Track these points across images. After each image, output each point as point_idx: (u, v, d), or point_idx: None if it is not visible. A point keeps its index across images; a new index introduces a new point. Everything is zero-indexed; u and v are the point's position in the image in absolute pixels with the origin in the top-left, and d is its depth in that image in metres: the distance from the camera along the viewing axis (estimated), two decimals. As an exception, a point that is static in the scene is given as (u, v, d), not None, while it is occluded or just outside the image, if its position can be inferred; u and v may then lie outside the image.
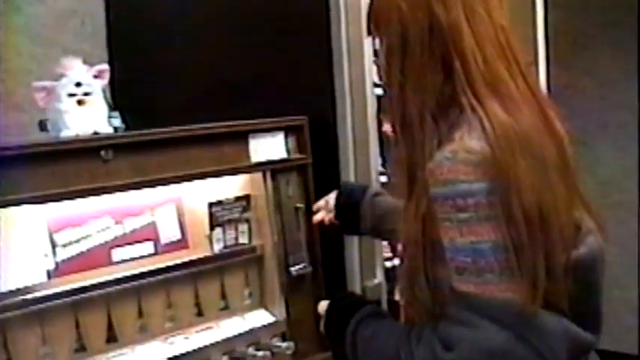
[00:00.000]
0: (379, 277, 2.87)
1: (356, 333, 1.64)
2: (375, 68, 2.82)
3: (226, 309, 2.59)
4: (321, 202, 2.34)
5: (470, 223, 1.37)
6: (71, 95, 2.30)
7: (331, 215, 2.29)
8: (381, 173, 2.92)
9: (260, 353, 2.48)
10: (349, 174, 2.77)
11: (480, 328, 1.36)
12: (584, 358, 1.54)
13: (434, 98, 1.48)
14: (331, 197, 2.30)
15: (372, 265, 2.84)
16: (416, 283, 1.50)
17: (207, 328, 2.50)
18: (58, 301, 2.15)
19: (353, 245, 2.75)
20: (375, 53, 2.78)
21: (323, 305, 1.81)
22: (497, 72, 1.49)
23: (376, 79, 2.83)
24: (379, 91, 2.85)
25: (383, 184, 2.91)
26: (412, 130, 1.49)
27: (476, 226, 1.37)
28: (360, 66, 2.78)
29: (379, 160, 2.90)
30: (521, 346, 1.34)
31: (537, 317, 1.36)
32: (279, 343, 2.56)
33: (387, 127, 3.01)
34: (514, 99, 1.47)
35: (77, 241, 2.22)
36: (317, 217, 2.34)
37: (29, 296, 2.10)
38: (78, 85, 2.30)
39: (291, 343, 2.57)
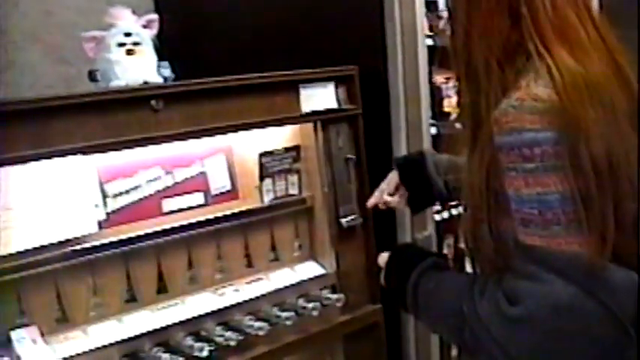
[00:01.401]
0: (429, 230, 2.87)
1: (417, 285, 1.63)
2: (426, 19, 2.79)
3: (276, 260, 2.58)
4: (382, 186, 2.27)
5: (536, 173, 1.34)
6: (121, 45, 2.28)
7: (390, 199, 2.23)
8: (432, 125, 2.90)
9: (310, 305, 2.47)
10: (400, 125, 2.74)
11: (546, 283, 1.33)
12: None
13: (500, 44, 1.45)
14: (390, 178, 2.24)
15: (423, 217, 2.82)
16: (479, 235, 1.48)
17: (257, 279, 2.50)
18: (108, 252, 2.15)
19: None
20: (428, 6, 2.78)
21: (384, 257, 1.79)
22: (567, 18, 1.45)
23: (427, 30, 2.80)
24: (430, 41, 2.82)
25: (433, 136, 2.89)
26: (477, 78, 1.47)
27: (542, 177, 1.34)
28: (412, 16, 2.74)
29: (429, 112, 2.87)
30: (589, 302, 1.31)
31: (605, 272, 1.32)
32: (329, 295, 2.55)
33: (437, 78, 2.99)
34: (583, 46, 1.43)
35: (127, 191, 2.21)
36: (371, 201, 2.29)
37: (80, 247, 2.10)
38: (127, 34, 2.28)
39: (341, 295, 2.56)
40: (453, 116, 3.03)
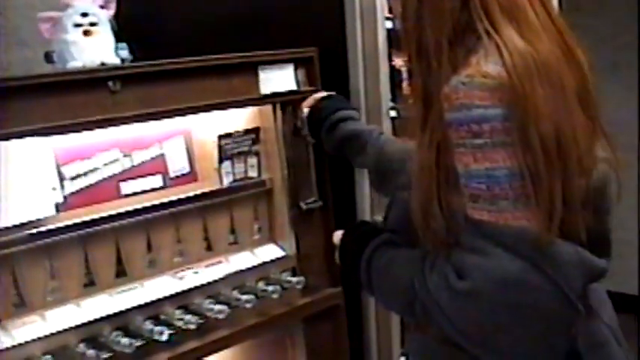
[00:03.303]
0: None
1: (371, 261, 1.67)
2: (385, 1, 2.78)
3: (236, 243, 2.56)
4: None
5: (485, 148, 1.36)
6: (77, 25, 2.25)
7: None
8: (392, 108, 2.89)
9: (270, 288, 2.46)
10: (360, 107, 2.73)
11: (494, 257, 1.36)
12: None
13: (450, 25, 1.47)
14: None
15: (382, 200, 2.78)
16: (429, 213, 1.49)
17: (217, 262, 2.48)
18: (66, 235, 2.12)
19: (363, 180, 2.72)
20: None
21: (338, 234, 1.84)
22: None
23: (387, 12, 2.79)
24: (390, 24, 2.81)
25: (393, 118, 2.88)
26: (428, 57, 1.49)
27: (491, 152, 1.36)
28: (372, -2, 2.72)
29: (389, 95, 2.86)
30: (537, 275, 1.34)
31: (552, 246, 1.35)
32: (289, 278, 2.55)
33: (397, 61, 2.98)
34: (532, 26, 1.46)
35: (85, 174, 2.18)
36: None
37: (37, 230, 2.07)
38: (84, 15, 2.25)
39: (302, 278, 2.56)
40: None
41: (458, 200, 1.44)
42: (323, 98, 2.42)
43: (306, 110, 2.45)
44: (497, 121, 1.35)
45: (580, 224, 1.42)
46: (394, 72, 2.91)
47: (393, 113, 2.87)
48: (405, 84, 2.98)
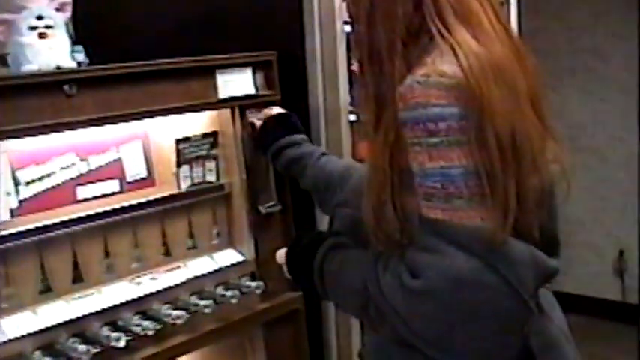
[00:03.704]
0: None
1: (322, 269, 1.64)
2: (344, 4, 2.78)
3: (194, 248, 2.55)
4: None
5: (440, 147, 1.36)
6: (32, 28, 2.20)
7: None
8: (350, 112, 2.89)
9: (229, 293, 2.45)
10: (318, 111, 2.74)
11: (447, 255, 1.36)
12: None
13: (403, 27, 1.47)
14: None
15: None
16: (382, 215, 1.49)
17: (175, 267, 2.47)
18: (21, 241, 2.10)
19: None
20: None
21: (281, 253, 1.83)
22: (468, 3, 1.48)
23: (346, 16, 2.79)
24: (349, 28, 2.81)
25: (352, 122, 2.88)
26: (381, 59, 1.49)
27: (446, 151, 1.36)
28: (330, 1, 2.73)
29: (348, 98, 2.86)
30: (490, 275, 1.34)
31: (506, 245, 1.35)
32: (248, 283, 2.54)
33: (355, 66, 2.98)
34: (485, 30, 1.46)
35: (41, 178, 2.15)
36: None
37: None
38: (39, 17, 2.21)
39: (261, 283, 2.55)
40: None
41: (412, 201, 1.43)
42: (274, 117, 2.42)
43: (257, 123, 2.45)
44: (453, 120, 1.35)
45: (534, 223, 1.43)
46: (353, 76, 2.91)
47: (352, 117, 2.88)
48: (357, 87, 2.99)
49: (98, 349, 2.12)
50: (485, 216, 1.35)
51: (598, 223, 5.30)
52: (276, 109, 2.46)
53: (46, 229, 2.14)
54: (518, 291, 1.35)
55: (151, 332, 2.22)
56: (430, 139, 1.36)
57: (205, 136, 2.53)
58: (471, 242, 1.35)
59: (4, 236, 2.06)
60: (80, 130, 2.16)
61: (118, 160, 2.33)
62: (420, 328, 1.41)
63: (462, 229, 1.36)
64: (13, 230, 2.08)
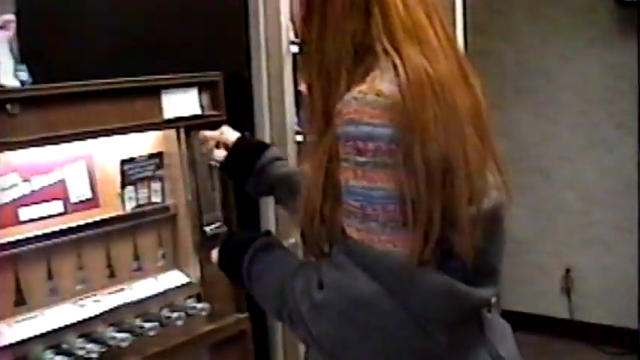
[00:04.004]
0: (296, 237, 2.81)
1: (250, 269, 1.65)
2: (291, 25, 2.79)
3: (139, 270, 2.52)
4: (215, 133, 2.31)
5: (366, 167, 1.36)
6: (-26, 47, 2.19)
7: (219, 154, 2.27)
8: (297, 132, 2.89)
9: (174, 315, 2.43)
10: (264, 131, 2.75)
11: (351, 275, 1.38)
12: (482, 314, 1.57)
13: (351, 45, 1.47)
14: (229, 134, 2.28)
15: (288, 225, 2.80)
16: (313, 226, 1.49)
17: (120, 289, 2.43)
18: (-38, 263, 2.05)
19: (268, 205, 2.72)
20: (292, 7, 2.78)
21: (214, 253, 1.82)
22: (417, 17, 1.48)
23: (292, 37, 2.80)
24: (295, 48, 2.82)
25: (299, 142, 2.88)
26: (329, 76, 1.49)
27: (371, 172, 1.36)
28: (277, 21, 2.75)
29: (295, 119, 2.87)
30: (389, 301, 1.35)
31: (416, 275, 1.36)
32: (194, 304, 2.52)
33: (303, 87, 2.98)
34: (432, 46, 1.46)
35: (-19, 199, 2.11)
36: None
37: None
38: (-19, 36, 2.20)
39: (207, 304, 2.53)
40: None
41: (340, 213, 1.44)
42: (238, 138, 2.30)
43: (211, 144, 2.33)
44: (382, 142, 1.35)
45: (467, 248, 1.41)
46: (299, 97, 2.91)
47: (298, 137, 2.88)
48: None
49: (41, 373, 2.07)
50: (398, 242, 1.36)
51: (545, 241, 5.35)
52: (233, 132, 2.34)
53: None
54: (418, 320, 1.36)
55: (95, 355, 2.19)
56: (358, 157, 1.36)
57: (151, 156, 2.51)
58: (376, 266, 1.36)
59: (-56, 259, 2.01)
60: (23, 151, 2.13)
61: (62, 181, 2.29)
62: (319, 339, 1.44)
63: (370, 252, 1.37)
64: None
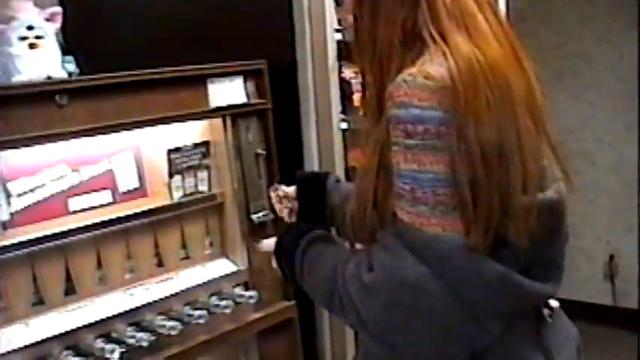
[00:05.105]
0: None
1: (305, 253, 1.64)
2: (335, 12, 2.78)
3: (187, 259, 2.54)
4: (280, 192, 2.15)
5: (415, 150, 1.34)
6: (23, 39, 2.19)
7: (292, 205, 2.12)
8: (342, 120, 2.88)
9: (223, 303, 2.44)
10: (310, 119, 2.74)
11: (399, 257, 1.36)
12: (541, 314, 1.53)
13: (402, 32, 1.45)
14: (290, 188, 2.14)
15: (334, 212, 2.76)
16: (366, 212, 1.48)
17: (168, 278, 2.46)
18: (13, 253, 2.09)
19: None
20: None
21: (270, 242, 1.81)
22: (465, 4, 1.45)
23: (336, 24, 2.79)
24: (339, 36, 2.81)
25: (343, 130, 2.88)
26: (381, 63, 1.48)
27: (420, 155, 1.34)
28: (321, 8, 2.74)
29: (340, 107, 2.86)
30: (436, 284, 1.33)
31: (467, 259, 1.33)
32: (241, 292, 2.53)
33: (347, 73, 2.97)
34: (481, 31, 1.44)
35: (32, 190, 2.14)
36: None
37: None
38: (30, 28, 2.20)
39: (254, 292, 2.54)
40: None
41: (392, 198, 1.42)
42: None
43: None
44: (431, 124, 1.32)
45: (524, 233, 1.38)
46: (344, 84, 2.91)
47: (343, 125, 2.87)
48: (355, 95, 2.98)
49: (92, 362, 2.10)
50: (448, 226, 1.33)
51: (588, 227, 5.30)
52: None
53: (38, 241, 2.13)
54: (467, 306, 1.34)
55: (145, 343, 2.21)
56: (407, 140, 1.35)
57: (197, 145, 2.53)
58: (424, 249, 1.34)
59: (-4, 249, 2.04)
60: (72, 141, 2.15)
61: (110, 171, 2.32)
62: (367, 321, 1.41)
63: (418, 235, 1.35)
64: (5, 242, 2.06)
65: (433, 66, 1.36)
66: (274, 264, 1.80)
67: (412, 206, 1.35)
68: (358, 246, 1.75)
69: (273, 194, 2.13)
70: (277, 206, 2.14)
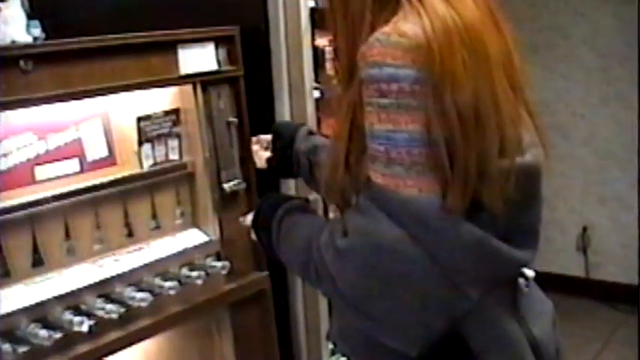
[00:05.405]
0: (314, 194, 2.78)
1: (281, 222, 1.62)
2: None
3: (157, 229, 2.50)
4: (255, 145, 2.24)
5: (389, 109, 1.31)
6: (-15, 3, 2.13)
7: (267, 154, 2.18)
8: (315, 88, 2.85)
9: (194, 274, 2.41)
10: (282, 87, 2.70)
11: (375, 220, 1.33)
12: (517, 284, 1.50)
13: None
14: (265, 136, 2.20)
15: None
16: (337, 172, 1.45)
17: (139, 248, 2.42)
18: (-22, 224, 2.02)
19: None
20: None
21: (249, 216, 1.77)
22: None
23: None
24: (312, 3, 2.76)
25: (317, 99, 2.84)
26: (354, 25, 1.44)
27: (394, 114, 1.31)
28: (293, -27, 2.67)
29: (313, 75, 2.82)
30: (413, 248, 1.30)
31: (444, 221, 1.30)
32: (213, 263, 2.50)
33: (320, 41, 2.93)
34: None
35: (-3, 158, 2.08)
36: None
37: None
38: (-9, -8, 2.14)
39: (226, 263, 2.51)
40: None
41: (365, 162, 1.39)
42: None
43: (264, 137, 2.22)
44: (405, 83, 1.29)
45: (497, 200, 1.35)
46: (317, 52, 2.87)
47: (316, 93, 2.84)
48: (328, 64, 2.95)
49: (60, 335, 2.06)
50: (424, 187, 1.30)
51: (561, 199, 5.30)
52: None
53: (4, 211, 2.07)
54: (446, 272, 1.31)
55: (115, 315, 2.18)
56: (381, 99, 1.32)
57: (167, 113, 2.48)
58: (401, 211, 1.31)
59: (-41, 219, 1.98)
60: (37, 108, 2.09)
61: (78, 139, 2.26)
62: (344, 288, 1.38)
63: (394, 197, 1.32)
64: None
65: (407, 24, 1.33)
66: (253, 236, 1.76)
67: (387, 167, 1.32)
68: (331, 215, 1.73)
69: (253, 140, 2.21)
70: (254, 152, 2.21)
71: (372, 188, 1.35)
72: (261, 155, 2.19)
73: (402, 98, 1.30)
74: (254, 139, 2.24)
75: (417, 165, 1.30)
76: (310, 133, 2.11)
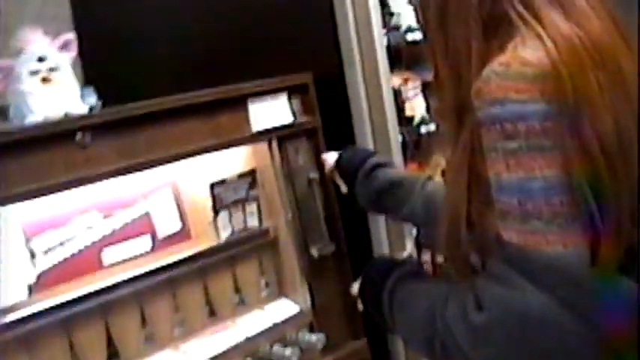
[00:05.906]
0: (408, 249, 2.64)
1: (393, 293, 1.48)
2: (379, 12, 2.59)
3: (242, 303, 2.37)
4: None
5: (518, 154, 1.17)
6: (34, 73, 1.99)
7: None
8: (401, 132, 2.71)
9: (287, 351, 2.23)
10: (365, 134, 2.56)
11: (516, 288, 1.18)
12: None
13: (478, 18, 1.28)
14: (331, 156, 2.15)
15: (401, 236, 2.61)
16: (459, 232, 1.32)
17: (223, 328, 2.28)
18: (44, 320, 1.90)
19: (378, 217, 2.52)
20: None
21: (356, 284, 1.65)
22: None
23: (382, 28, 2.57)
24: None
25: (402, 142, 2.71)
26: (458, 59, 1.31)
27: (526, 159, 1.17)
28: (365, 11, 2.53)
29: (396, 119, 2.66)
30: (565, 314, 1.14)
31: (597, 279, 1.15)
32: (307, 336, 2.32)
33: (395, 80, 2.74)
34: (578, 6, 1.27)
35: (60, 244, 1.99)
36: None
37: (9, 318, 1.85)
38: (41, 60, 2.00)
39: (321, 335, 2.33)
40: (417, 121, 2.86)
41: (491, 217, 1.25)
42: (341, 154, 2.14)
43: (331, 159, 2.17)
44: (535, 120, 1.15)
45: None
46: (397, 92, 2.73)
47: (399, 138, 2.67)
48: (407, 104, 2.79)
49: None
50: (570, 242, 1.15)
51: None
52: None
53: (71, 303, 1.95)
54: (605, 338, 1.15)
55: (206, 406, 2.05)
56: (507, 143, 1.18)
57: (242, 176, 2.36)
58: (546, 274, 1.16)
59: (23, 317, 1.87)
60: (100, 184, 1.97)
61: (147, 214, 2.18)
62: None
63: (536, 257, 1.16)
64: (32, 310, 1.89)
65: (527, 50, 1.20)
66: (360, 306, 1.63)
67: (522, 223, 1.17)
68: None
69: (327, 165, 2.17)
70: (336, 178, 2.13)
71: (507, 249, 1.20)
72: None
73: (532, 139, 1.16)
74: (327, 165, 2.17)
75: (559, 216, 1.15)
76: (377, 166, 2.00)
